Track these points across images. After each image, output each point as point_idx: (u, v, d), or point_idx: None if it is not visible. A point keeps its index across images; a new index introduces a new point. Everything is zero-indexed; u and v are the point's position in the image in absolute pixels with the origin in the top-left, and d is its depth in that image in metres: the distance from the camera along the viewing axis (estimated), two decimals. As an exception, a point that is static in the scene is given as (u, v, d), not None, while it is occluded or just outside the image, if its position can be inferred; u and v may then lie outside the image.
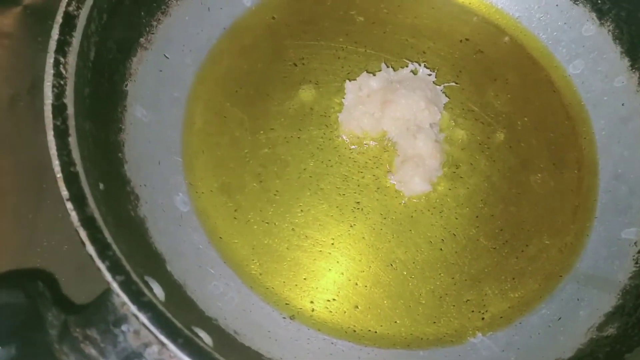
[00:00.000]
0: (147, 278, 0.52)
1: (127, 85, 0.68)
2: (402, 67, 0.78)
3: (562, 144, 0.80)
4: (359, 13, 0.86)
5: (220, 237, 0.70)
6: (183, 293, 0.60)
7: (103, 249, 0.49)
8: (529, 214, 0.75)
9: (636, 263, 0.68)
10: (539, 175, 0.77)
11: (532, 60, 0.85)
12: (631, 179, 0.74)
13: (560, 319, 0.68)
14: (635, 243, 0.69)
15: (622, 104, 0.78)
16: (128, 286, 0.48)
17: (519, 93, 0.83)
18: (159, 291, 0.52)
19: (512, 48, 0.86)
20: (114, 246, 0.51)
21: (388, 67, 0.78)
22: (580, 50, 0.83)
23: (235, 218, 0.72)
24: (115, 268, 0.49)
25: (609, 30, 0.80)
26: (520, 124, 0.81)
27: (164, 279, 0.58)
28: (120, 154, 0.65)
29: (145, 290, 0.49)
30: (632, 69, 0.78)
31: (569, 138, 0.80)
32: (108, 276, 0.48)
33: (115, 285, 0.48)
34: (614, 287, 0.67)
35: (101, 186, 0.57)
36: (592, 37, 0.82)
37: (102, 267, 0.49)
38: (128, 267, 0.50)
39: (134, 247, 0.56)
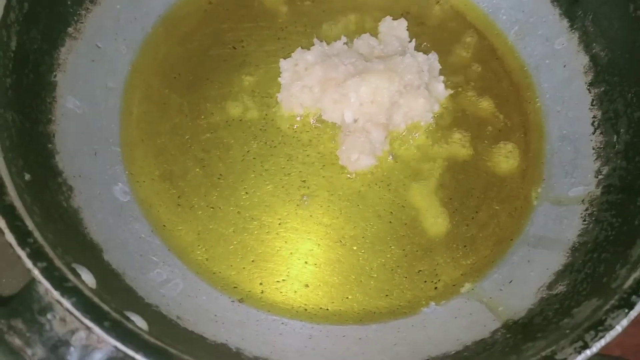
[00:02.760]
0: (75, 265, 0.51)
1: (55, 75, 0.67)
2: (336, 40, 0.77)
3: (507, 110, 0.79)
4: (297, -7, 0.85)
5: (164, 225, 0.69)
6: (121, 281, 0.58)
7: (23, 236, 0.48)
8: (478, 181, 0.74)
9: (584, 221, 0.67)
10: (486, 142, 0.77)
11: (474, 29, 0.85)
12: (576, 139, 0.74)
13: (511, 281, 0.67)
14: (582, 201, 0.69)
15: (564, 66, 0.78)
16: (50, 272, 0.47)
17: (462, 62, 0.82)
18: (88, 278, 0.51)
19: (454, 18, 0.86)
20: (36, 234, 0.49)
21: (321, 41, 0.77)
22: (519, 15, 0.83)
23: (178, 205, 0.70)
24: (37, 255, 0.47)
25: (547, -7, 0.80)
26: (465, 92, 0.80)
27: (99, 267, 0.57)
28: (50, 145, 0.63)
29: (70, 276, 0.48)
30: (571, 30, 0.78)
31: (514, 103, 0.80)
32: (29, 263, 0.47)
33: (36, 272, 0.47)
34: (564, 246, 0.66)
35: (27, 176, 0.56)
36: (531, 2, 0.82)
37: (22, 254, 0.47)
38: (51, 254, 0.48)
39: (64, 236, 0.55)
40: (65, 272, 0.48)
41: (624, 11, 0.70)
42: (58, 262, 0.48)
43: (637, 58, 0.69)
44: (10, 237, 0.47)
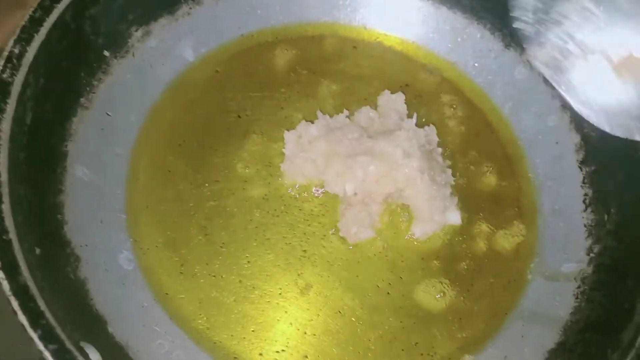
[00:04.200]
0: (83, 344, 0.52)
1: (67, 145, 0.69)
2: (338, 114, 0.80)
3: (502, 184, 0.82)
4: (302, 66, 0.88)
5: (167, 294, 0.70)
6: (125, 355, 0.59)
7: (36, 318, 0.49)
8: (473, 254, 0.76)
9: (576, 298, 0.69)
10: (481, 214, 0.79)
11: (470, 103, 0.88)
12: (568, 215, 0.77)
13: (506, 357, 0.69)
14: (575, 278, 0.71)
15: (556, 143, 0.82)
16: (62, 355, 0.48)
17: (458, 135, 0.85)
18: (95, 356, 0.52)
19: (450, 92, 0.89)
20: (48, 314, 0.50)
21: (324, 114, 0.79)
22: (513, 92, 0.86)
23: (181, 273, 0.72)
24: (48, 337, 0.48)
25: (540, 73, 0.83)
26: (461, 165, 0.83)
27: (104, 341, 0.58)
28: (59, 216, 0.64)
29: (80, 358, 0.48)
30: (563, 108, 0.81)
31: (508, 177, 0.83)
32: (40, 345, 0.48)
33: (47, 354, 0.47)
34: (556, 323, 0.68)
35: (37, 251, 0.57)
36: (524, 80, 0.85)
37: (34, 336, 0.48)
38: (62, 336, 0.50)
39: (71, 311, 0.56)
40: (75, 354, 0.48)
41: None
42: (68, 344, 0.49)
43: (626, 140, 0.72)
44: (22, 318, 0.48)
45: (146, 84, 0.80)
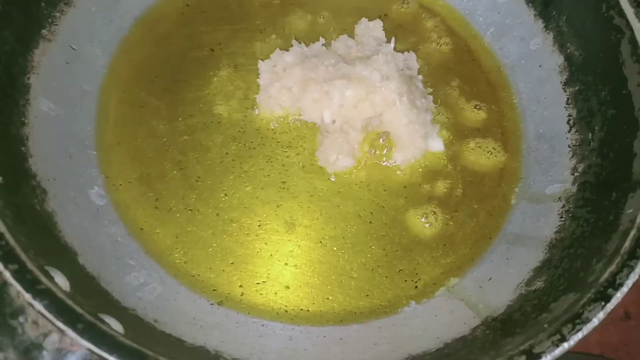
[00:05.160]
0: (48, 268, 0.50)
1: (29, 78, 0.66)
2: (314, 42, 0.77)
3: (485, 110, 0.80)
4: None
5: (141, 229, 0.68)
6: (96, 285, 0.58)
7: (-6, 238, 0.47)
8: (457, 180, 0.75)
9: (561, 217, 0.68)
10: (464, 141, 0.77)
11: (451, 31, 0.86)
12: (552, 137, 0.75)
13: (491, 279, 0.67)
14: (559, 198, 0.70)
15: (540, 66, 0.79)
16: (22, 275, 0.46)
17: (440, 64, 0.83)
18: (62, 281, 0.50)
19: (431, 20, 0.86)
20: (8, 236, 0.48)
21: (300, 42, 0.77)
22: (495, 17, 0.84)
23: (156, 208, 0.70)
24: (8, 257, 0.47)
25: (522, -5, 0.81)
26: (443, 92, 0.80)
27: (73, 270, 0.56)
28: (23, 148, 0.62)
29: (43, 279, 0.47)
30: (546, 30, 0.79)
31: (491, 103, 0.81)
32: (0, 265, 0.46)
33: (8, 275, 0.46)
34: (541, 243, 0.67)
35: (0, 179, 0.55)
36: (506, 3, 0.83)
37: (-7, 257, 0.46)
38: (23, 257, 0.48)
39: (37, 239, 0.54)
40: (38, 275, 0.47)
41: (596, 11, 0.71)
42: (30, 265, 0.47)
43: (609, 57, 0.70)
44: (-20, 239, 0.46)
45: (113, 18, 0.77)
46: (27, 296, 0.45)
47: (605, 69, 0.71)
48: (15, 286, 0.45)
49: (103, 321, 0.47)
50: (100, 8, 0.76)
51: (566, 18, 0.76)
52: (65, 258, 0.57)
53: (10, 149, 0.60)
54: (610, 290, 0.51)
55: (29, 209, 0.57)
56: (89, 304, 0.49)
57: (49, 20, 0.70)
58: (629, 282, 0.51)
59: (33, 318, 0.46)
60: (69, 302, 0.46)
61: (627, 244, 0.55)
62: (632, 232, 0.55)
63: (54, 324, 0.44)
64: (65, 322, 0.44)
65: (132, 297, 0.60)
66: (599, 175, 0.67)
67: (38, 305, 0.44)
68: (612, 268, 0.53)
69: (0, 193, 0.53)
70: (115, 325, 0.50)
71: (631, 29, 0.67)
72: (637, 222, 0.56)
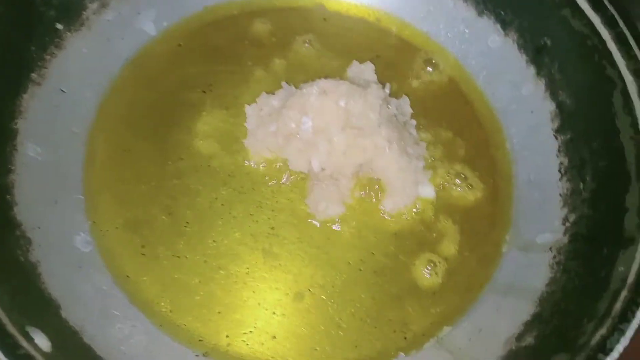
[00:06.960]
0: (29, 329, 0.49)
1: (16, 123, 0.65)
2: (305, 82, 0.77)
3: (477, 154, 0.79)
4: (269, 39, 0.84)
5: (127, 276, 0.67)
6: (78, 340, 0.56)
7: (-26, 302, 0.46)
8: (447, 227, 0.74)
9: (552, 269, 0.67)
10: (455, 187, 0.77)
11: (444, 74, 0.85)
12: (543, 185, 0.75)
13: (481, 330, 0.67)
14: (550, 248, 0.69)
15: (531, 112, 0.79)
16: (2, 340, 0.45)
17: (433, 106, 0.83)
18: (43, 342, 0.49)
19: (423, 62, 0.86)
20: (-11, 297, 0.47)
21: (290, 85, 0.76)
22: (487, 61, 0.84)
23: (143, 254, 0.69)
24: (-12, 321, 0.45)
25: (514, 40, 0.81)
26: (436, 136, 0.80)
27: (56, 326, 0.55)
28: (8, 196, 0.61)
29: (23, 343, 0.46)
30: (538, 77, 0.79)
31: (483, 148, 0.80)
32: (-21, 330, 0.45)
33: (-15, 340, 0.44)
34: (532, 294, 0.66)
35: (-19, 233, 0.54)
36: (498, 49, 0.83)
37: (-29, 321, 0.45)
38: (4, 319, 0.47)
39: (19, 295, 0.53)
40: (18, 339, 0.46)
41: (588, 61, 0.72)
42: (11, 329, 0.46)
43: (601, 107, 0.70)
44: (-41, 303, 0.45)
45: (104, 59, 0.77)
46: (6, 363, 0.43)
47: (597, 119, 0.71)
48: (-6, 352, 0.44)
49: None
50: (91, 50, 0.75)
51: (558, 66, 0.76)
52: (48, 312, 0.56)
53: (-6, 198, 0.59)
54: (600, 355, 0.51)
55: (13, 262, 0.57)
56: (70, 364, 0.48)
57: (39, 63, 0.69)
58: (620, 347, 0.51)
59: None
60: (49, 367, 0.45)
61: (618, 305, 0.54)
62: (623, 293, 0.55)
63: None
64: (44, 391, 0.43)
65: (116, 351, 0.59)
66: (590, 228, 0.66)
67: (17, 373, 0.43)
68: (602, 331, 0.53)
69: (-18, 247, 0.52)
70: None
71: (623, 81, 0.67)
72: (628, 282, 0.56)
